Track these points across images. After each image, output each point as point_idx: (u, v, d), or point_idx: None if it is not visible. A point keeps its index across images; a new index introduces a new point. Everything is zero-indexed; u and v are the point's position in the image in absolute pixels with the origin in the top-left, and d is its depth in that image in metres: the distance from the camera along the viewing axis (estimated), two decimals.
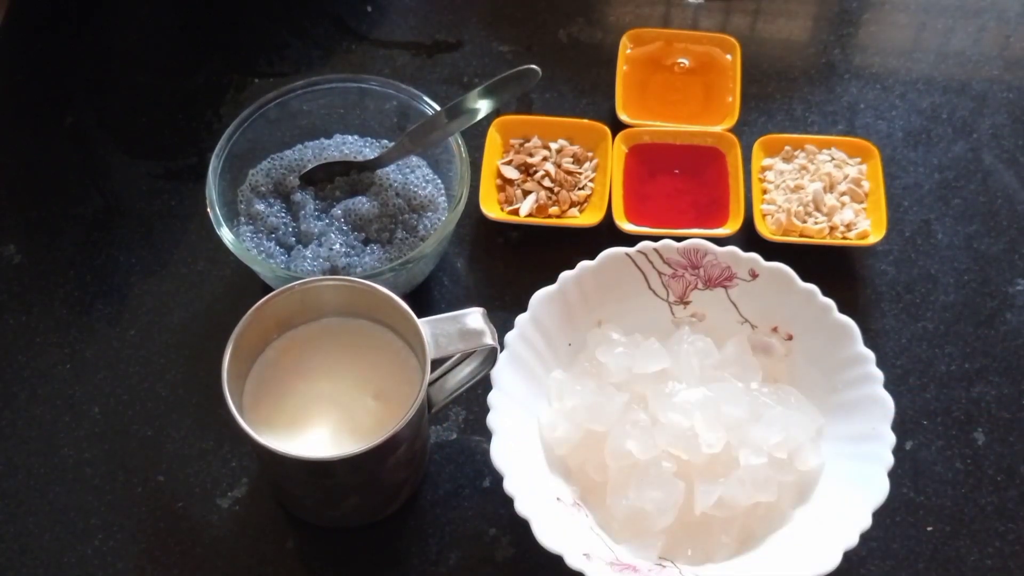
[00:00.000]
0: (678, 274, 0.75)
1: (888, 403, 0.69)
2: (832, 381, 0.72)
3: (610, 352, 0.73)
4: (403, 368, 0.69)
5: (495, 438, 0.67)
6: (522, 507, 0.65)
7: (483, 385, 0.72)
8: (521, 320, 0.71)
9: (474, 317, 0.68)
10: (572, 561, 0.64)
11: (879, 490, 0.67)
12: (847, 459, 0.70)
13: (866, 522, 0.66)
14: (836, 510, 0.68)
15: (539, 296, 0.72)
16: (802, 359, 0.74)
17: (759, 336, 0.75)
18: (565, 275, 0.73)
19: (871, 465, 0.68)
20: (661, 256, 0.75)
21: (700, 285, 0.76)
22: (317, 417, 0.68)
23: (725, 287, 0.75)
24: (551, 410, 0.72)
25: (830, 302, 0.73)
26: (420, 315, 0.68)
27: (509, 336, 0.70)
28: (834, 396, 0.72)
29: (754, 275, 0.75)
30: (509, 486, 0.66)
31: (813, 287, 0.73)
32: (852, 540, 0.65)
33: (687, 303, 0.76)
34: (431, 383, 0.70)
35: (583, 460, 0.71)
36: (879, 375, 0.70)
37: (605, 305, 0.75)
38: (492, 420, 0.68)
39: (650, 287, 0.76)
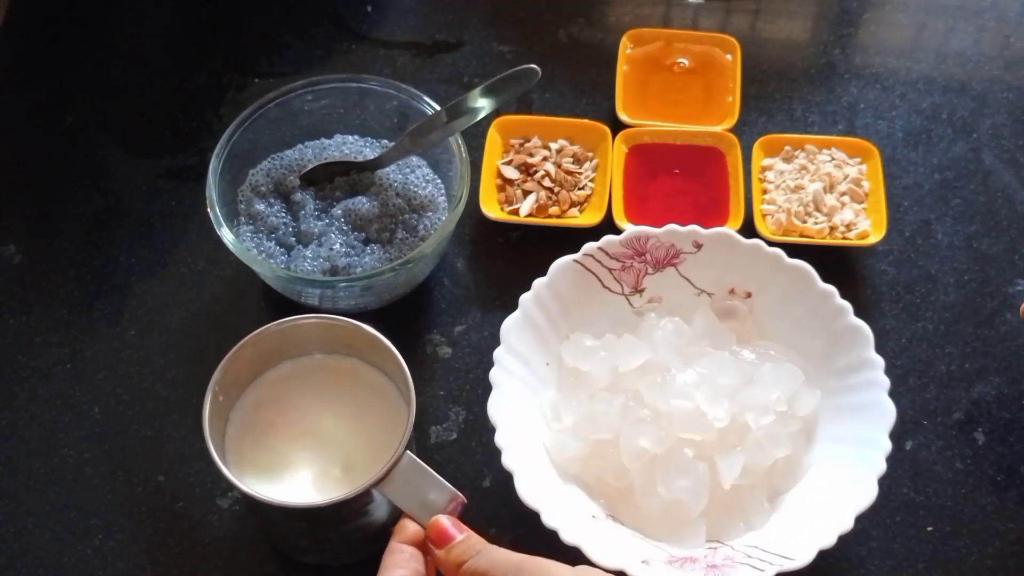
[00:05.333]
0: (627, 265, 0.76)
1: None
2: (805, 327, 0.74)
3: (591, 359, 0.73)
4: (388, 406, 0.69)
5: (517, 477, 0.67)
6: (569, 536, 0.65)
7: (483, 385, 0.72)
8: (499, 354, 0.71)
9: (443, 495, 0.63)
10: (636, 572, 0.64)
11: (884, 450, 0.68)
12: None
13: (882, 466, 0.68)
14: (853, 453, 0.69)
15: (507, 325, 0.72)
16: (766, 311, 0.76)
17: (719, 302, 0.77)
18: (525, 297, 0.73)
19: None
20: (607, 253, 0.76)
21: (650, 270, 0.77)
22: (301, 456, 0.67)
23: (674, 264, 0.77)
24: (553, 432, 0.72)
25: (778, 251, 0.75)
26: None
27: (493, 374, 0.71)
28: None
29: (698, 245, 0.76)
30: (549, 520, 0.66)
31: (757, 242, 0.75)
32: (872, 490, 0.67)
33: (642, 291, 0.77)
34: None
35: (599, 471, 0.71)
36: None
37: (568, 316, 0.76)
38: (507, 461, 0.68)
39: (604, 286, 0.77)
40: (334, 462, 0.67)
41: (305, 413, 0.69)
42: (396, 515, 0.64)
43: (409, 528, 0.63)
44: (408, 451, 0.64)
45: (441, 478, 0.63)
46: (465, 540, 0.61)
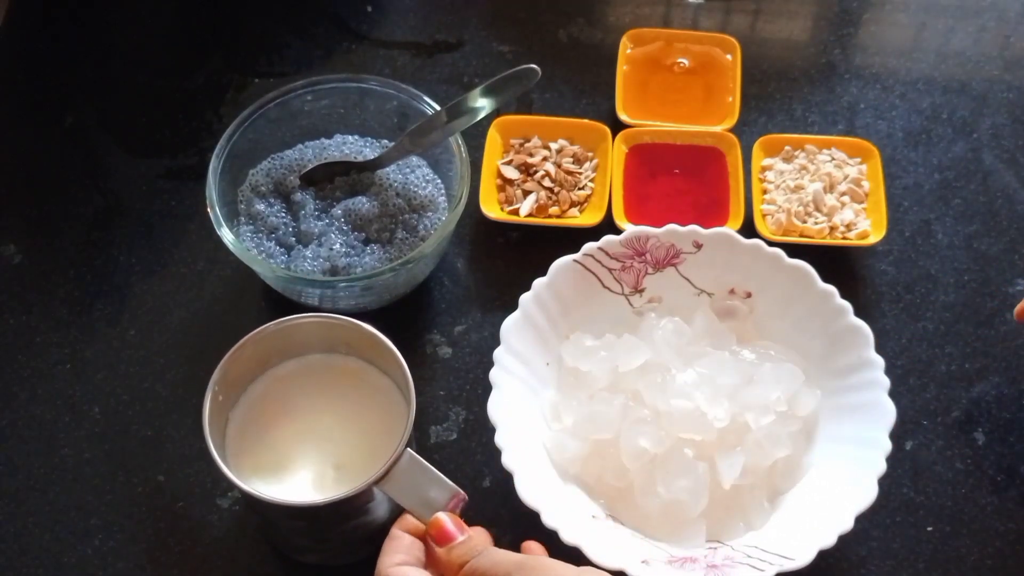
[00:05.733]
0: (627, 265, 0.76)
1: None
2: (804, 327, 0.74)
3: (591, 359, 0.73)
4: (388, 406, 0.69)
5: (517, 477, 0.67)
6: (568, 536, 0.65)
7: (483, 385, 0.72)
8: (499, 354, 0.71)
9: (444, 493, 0.64)
10: (636, 572, 0.64)
11: (884, 453, 0.68)
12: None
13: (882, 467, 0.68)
14: (853, 453, 0.69)
15: (507, 325, 0.72)
16: (766, 311, 0.76)
17: (719, 302, 0.77)
18: (525, 298, 0.73)
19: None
20: (607, 253, 0.76)
21: (650, 270, 0.77)
22: (301, 456, 0.67)
23: (674, 264, 0.77)
24: (553, 432, 0.72)
25: (778, 251, 0.75)
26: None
27: (493, 374, 0.71)
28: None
29: (698, 245, 0.76)
30: (549, 520, 0.66)
31: (757, 241, 0.75)
32: (872, 490, 0.67)
33: (642, 291, 0.77)
34: None
35: (599, 471, 0.71)
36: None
37: (568, 316, 0.76)
38: (507, 461, 0.68)
39: (604, 286, 0.77)
40: (331, 461, 0.67)
41: (305, 412, 0.69)
42: (396, 514, 0.64)
43: (411, 518, 0.63)
44: (409, 449, 0.64)
45: (442, 475, 0.63)
46: (467, 541, 0.61)
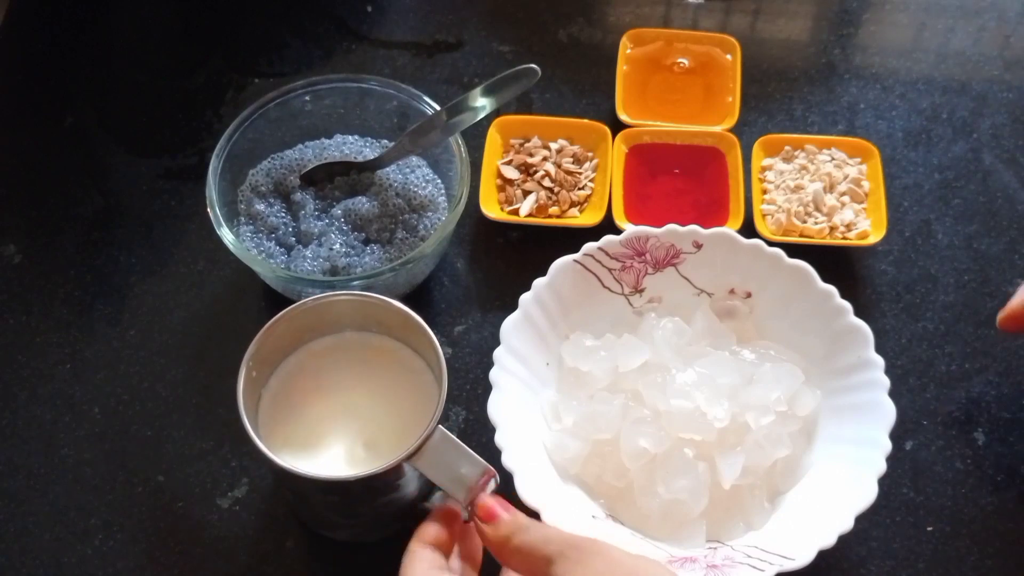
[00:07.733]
0: (627, 265, 0.76)
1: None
2: (804, 327, 0.74)
3: (591, 359, 0.73)
4: (418, 385, 0.69)
5: (517, 477, 0.67)
6: None
7: (483, 385, 0.72)
8: (499, 354, 0.71)
9: (475, 469, 0.63)
10: None
11: (884, 453, 0.68)
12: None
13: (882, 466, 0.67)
14: (853, 453, 0.69)
15: (507, 325, 0.72)
16: (766, 311, 0.76)
17: (719, 302, 0.77)
18: (525, 297, 0.74)
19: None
20: (607, 253, 0.76)
21: (650, 270, 0.77)
22: (332, 432, 0.68)
23: (674, 264, 0.77)
24: (553, 433, 0.72)
25: (778, 251, 0.75)
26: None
27: (493, 374, 0.71)
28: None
29: (698, 245, 0.76)
30: (549, 520, 0.66)
31: (757, 241, 0.75)
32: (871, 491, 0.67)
33: (642, 291, 0.77)
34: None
35: (599, 471, 0.71)
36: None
37: (568, 316, 0.76)
38: (507, 461, 0.68)
39: (604, 286, 0.77)
40: (361, 439, 0.67)
41: (337, 390, 0.69)
42: (426, 491, 0.64)
43: (430, 530, 0.63)
44: (440, 425, 0.64)
45: (473, 452, 0.63)
46: (513, 517, 0.61)
